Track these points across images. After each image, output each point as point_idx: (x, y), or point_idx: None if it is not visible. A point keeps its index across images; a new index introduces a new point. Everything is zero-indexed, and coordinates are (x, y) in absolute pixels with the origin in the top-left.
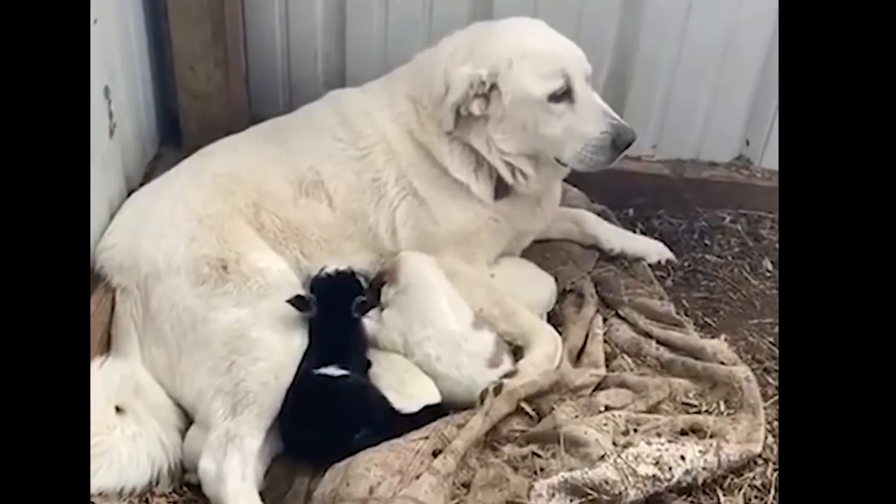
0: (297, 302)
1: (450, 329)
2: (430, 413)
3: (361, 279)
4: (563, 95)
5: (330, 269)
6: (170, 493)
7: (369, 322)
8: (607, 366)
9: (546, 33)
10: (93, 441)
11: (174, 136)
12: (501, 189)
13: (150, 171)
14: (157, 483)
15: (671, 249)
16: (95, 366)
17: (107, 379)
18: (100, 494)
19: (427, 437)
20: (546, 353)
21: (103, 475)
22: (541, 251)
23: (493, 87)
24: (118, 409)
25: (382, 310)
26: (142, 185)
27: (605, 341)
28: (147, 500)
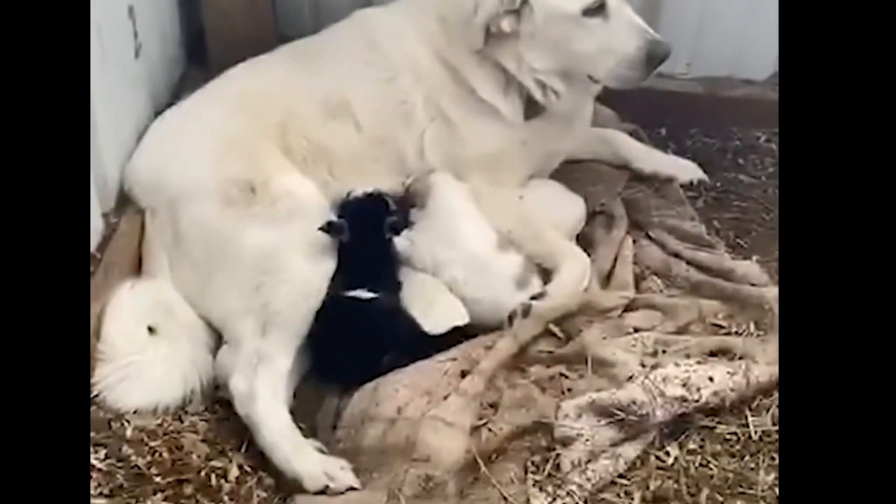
0: (329, 228)
1: (474, 252)
2: (459, 335)
3: (390, 200)
4: (597, 10)
5: (358, 191)
6: (202, 411)
7: (401, 241)
8: (636, 287)
9: None
10: (125, 361)
11: (200, 55)
12: (531, 109)
13: (177, 92)
14: (191, 402)
15: (704, 169)
16: (126, 288)
17: (138, 300)
18: (135, 412)
19: (455, 359)
20: (574, 275)
21: (137, 394)
22: (570, 172)
23: (524, 2)
24: (150, 330)
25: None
26: (169, 105)
27: (635, 263)
28: (181, 419)
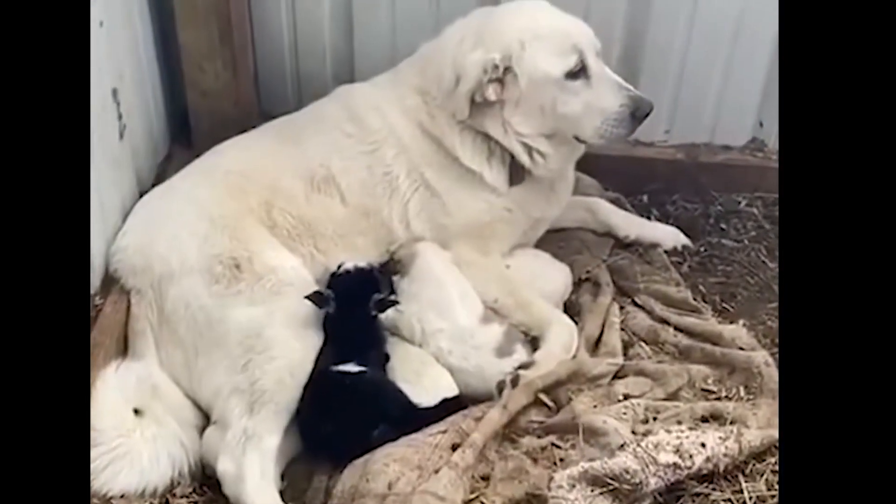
0: (315, 298)
1: (460, 324)
2: (449, 406)
3: (380, 277)
4: (579, 72)
5: (349, 265)
6: (190, 493)
7: (388, 311)
8: (625, 354)
9: (552, 11)
10: (113, 444)
11: (184, 135)
12: (516, 175)
13: (162, 172)
14: (178, 484)
15: (687, 235)
16: (111, 369)
17: (123, 382)
18: (122, 496)
19: (445, 431)
20: (562, 343)
21: (124, 477)
22: (555, 240)
23: (508, 70)
24: (136, 412)
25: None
26: (154, 185)
27: (622, 329)
28: (168, 501)
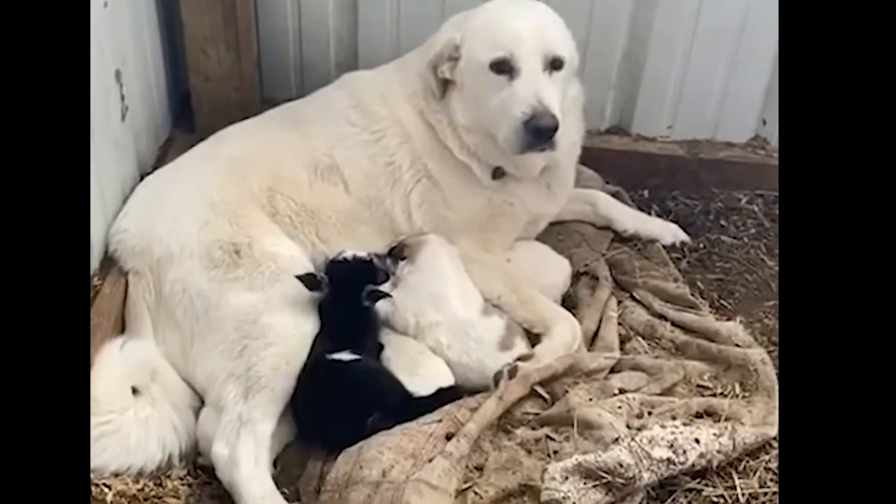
0: (307, 279)
1: (458, 317)
2: (444, 396)
3: (379, 269)
4: (505, 68)
5: (348, 253)
6: (184, 475)
7: (382, 303)
8: (621, 348)
9: (526, 13)
10: (103, 418)
11: (186, 119)
12: (499, 169)
13: (163, 155)
14: (169, 467)
15: (686, 231)
16: (117, 345)
17: (126, 359)
18: (115, 476)
19: (440, 421)
20: (565, 341)
21: (108, 454)
22: (555, 233)
23: (457, 47)
24: (134, 391)
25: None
26: (154, 168)
27: (620, 324)
28: (162, 484)
